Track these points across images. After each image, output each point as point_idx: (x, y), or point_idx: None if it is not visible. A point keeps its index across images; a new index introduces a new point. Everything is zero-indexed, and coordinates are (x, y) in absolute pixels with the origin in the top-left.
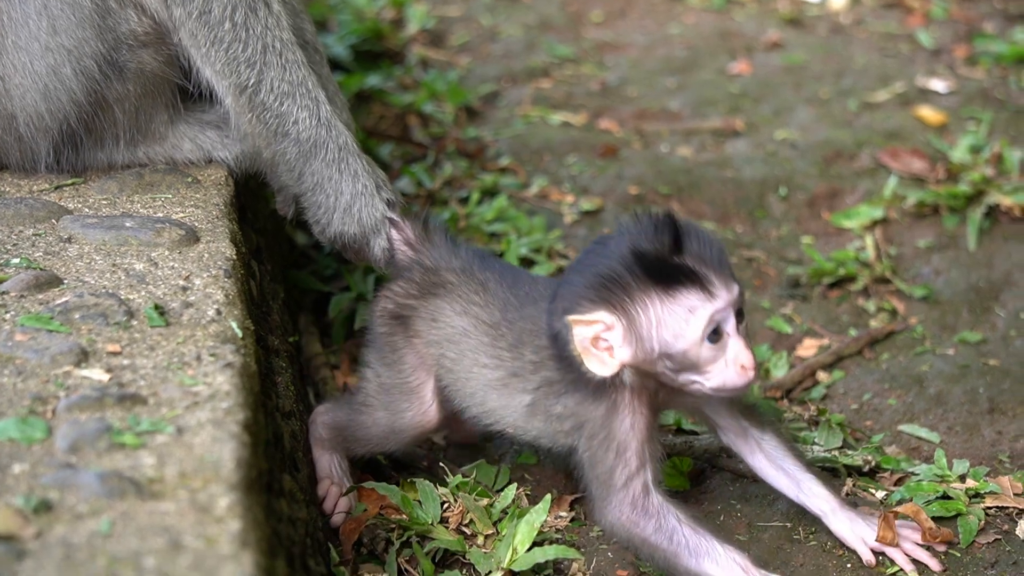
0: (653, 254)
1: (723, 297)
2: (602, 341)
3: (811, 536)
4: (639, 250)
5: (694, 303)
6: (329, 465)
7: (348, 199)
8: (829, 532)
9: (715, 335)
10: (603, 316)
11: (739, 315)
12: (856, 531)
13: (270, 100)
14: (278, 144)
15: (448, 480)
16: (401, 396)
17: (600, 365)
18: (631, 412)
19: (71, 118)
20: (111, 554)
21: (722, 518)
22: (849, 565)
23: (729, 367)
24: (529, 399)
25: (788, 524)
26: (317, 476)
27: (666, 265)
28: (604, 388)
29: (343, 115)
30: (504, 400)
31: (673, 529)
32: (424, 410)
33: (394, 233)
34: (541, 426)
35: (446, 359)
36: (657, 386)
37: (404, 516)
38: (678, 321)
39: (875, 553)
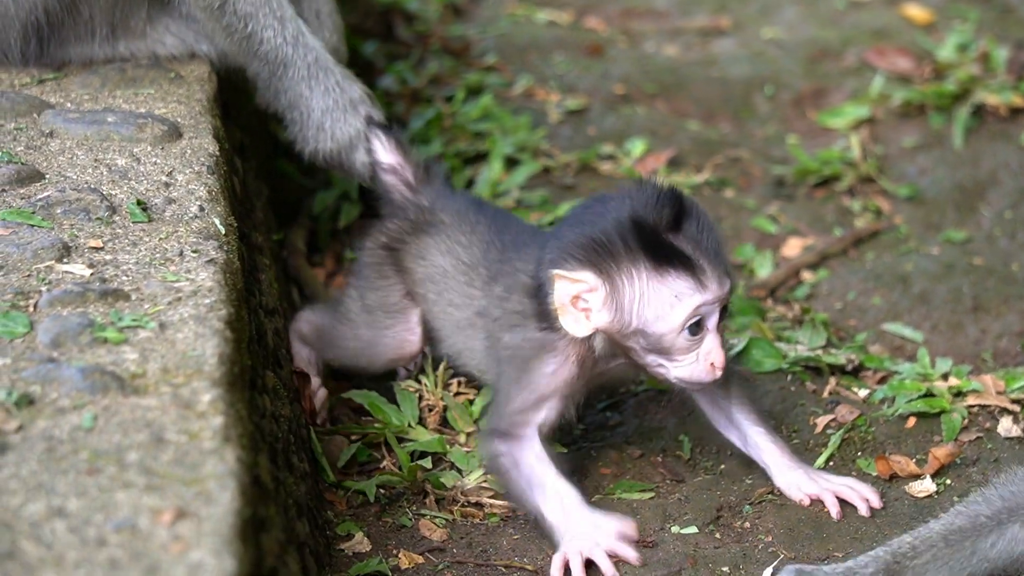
0: (651, 227)
1: (713, 291)
2: (582, 301)
3: (794, 435)
4: (638, 219)
5: (682, 290)
6: (307, 360)
7: (319, 116)
8: (814, 430)
9: (696, 327)
10: (588, 277)
11: (723, 311)
12: (798, 485)
13: (234, 21)
14: (251, 63)
15: (426, 376)
16: (385, 316)
17: (575, 324)
18: (562, 360)
19: (38, 10)
20: (93, 448)
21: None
22: (831, 463)
23: (700, 361)
24: (486, 335)
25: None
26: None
27: (662, 242)
28: (555, 331)
29: (331, 36)
30: (468, 342)
31: (522, 459)
32: (408, 335)
33: (391, 178)
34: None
35: (427, 298)
36: (611, 353)
37: (379, 422)
38: (662, 304)
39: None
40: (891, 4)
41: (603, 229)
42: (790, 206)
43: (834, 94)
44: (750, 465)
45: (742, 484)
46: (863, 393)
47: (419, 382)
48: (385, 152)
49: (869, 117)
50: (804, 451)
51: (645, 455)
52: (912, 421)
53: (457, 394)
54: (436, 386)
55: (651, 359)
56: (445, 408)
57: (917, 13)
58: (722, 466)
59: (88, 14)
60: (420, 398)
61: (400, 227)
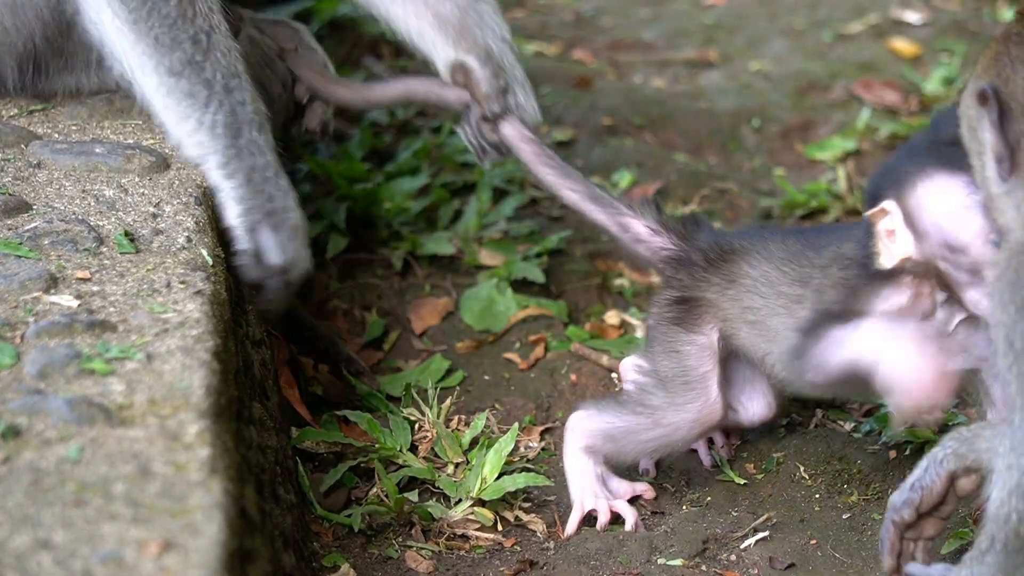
0: (943, 139)
1: None
2: (892, 232)
3: (780, 467)
4: (929, 138)
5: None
6: (585, 478)
7: None
8: (800, 463)
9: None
10: (886, 204)
11: None
12: None
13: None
14: None
15: (428, 407)
16: (685, 387)
17: (888, 257)
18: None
19: (36, 36)
20: (80, 480)
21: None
22: (817, 496)
23: None
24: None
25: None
26: (570, 491)
27: (955, 151)
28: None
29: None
30: (798, 317)
31: None
32: (711, 401)
33: (657, 240)
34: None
35: (749, 312)
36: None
37: (371, 442)
38: (961, 210)
39: None
40: (878, 37)
41: (896, 157)
42: None
43: (821, 127)
44: (736, 497)
45: (728, 516)
46: (849, 426)
47: (421, 412)
48: (657, 237)
49: (856, 150)
50: (790, 483)
51: None
52: (896, 452)
53: (447, 421)
54: (439, 417)
55: (964, 278)
56: (436, 438)
57: (904, 47)
58: (708, 498)
59: (85, 43)
60: (415, 427)
61: (691, 273)
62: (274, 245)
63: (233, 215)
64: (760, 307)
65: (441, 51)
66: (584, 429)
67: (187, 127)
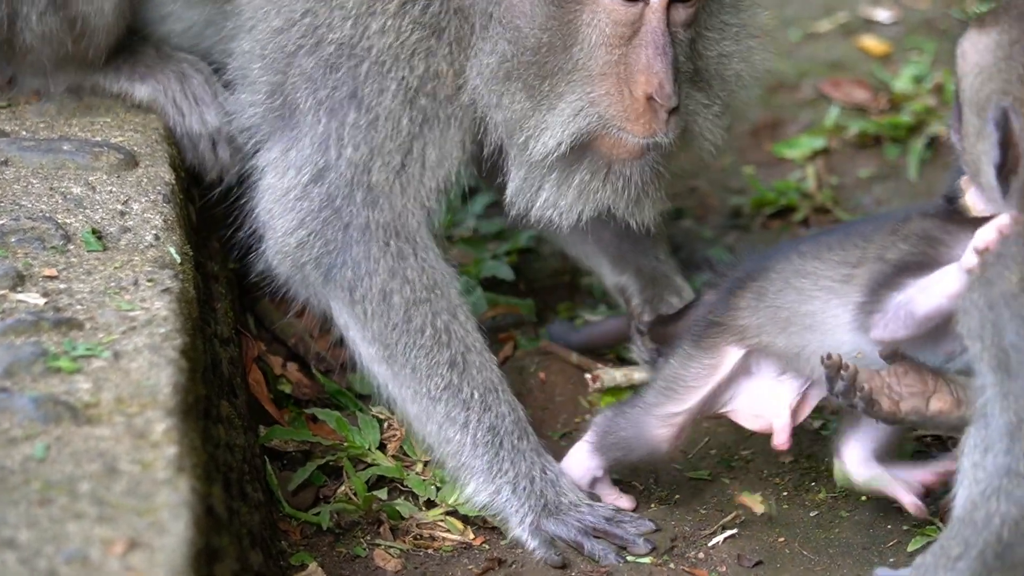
0: None
1: None
2: None
3: (748, 465)
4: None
5: None
6: (572, 472)
7: None
8: (768, 461)
9: None
10: None
11: None
12: None
13: None
14: None
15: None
16: (666, 392)
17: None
18: None
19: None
20: (46, 478)
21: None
22: (785, 494)
23: None
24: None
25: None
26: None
27: None
28: None
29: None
30: (846, 297)
31: None
32: (675, 414)
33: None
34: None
35: (782, 311)
36: None
37: (340, 441)
38: None
39: None
40: (847, 36)
41: None
42: (747, 236)
43: (790, 125)
44: (704, 495)
45: (696, 514)
46: (817, 424)
47: (390, 411)
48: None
49: (825, 148)
50: (758, 481)
51: None
52: None
53: None
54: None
55: None
56: (404, 437)
57: (873, 45)
58: (676, 496)
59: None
60: (384, 426)
61: (726, 301)
62: (565, 532)
63: (515, 524)
64: (793, 300)
65: (605, 272)
66: (594, 424)
67: (450, 449)
